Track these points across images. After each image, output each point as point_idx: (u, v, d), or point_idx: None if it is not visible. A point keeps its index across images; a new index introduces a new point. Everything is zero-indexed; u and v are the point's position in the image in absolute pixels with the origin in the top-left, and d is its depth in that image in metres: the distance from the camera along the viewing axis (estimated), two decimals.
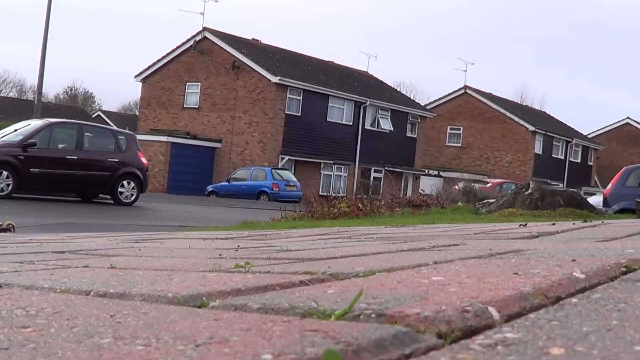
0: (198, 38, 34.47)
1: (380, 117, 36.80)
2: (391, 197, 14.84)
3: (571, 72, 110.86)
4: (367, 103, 35.69)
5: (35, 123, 14.64)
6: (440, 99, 45.71)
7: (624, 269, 1.29)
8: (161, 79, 35.63)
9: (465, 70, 65.78)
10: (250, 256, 2.14)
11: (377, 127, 36.63)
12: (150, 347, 0.79)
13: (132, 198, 14.71)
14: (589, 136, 51.80)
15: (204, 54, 34.30)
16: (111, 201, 14.65)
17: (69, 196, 15.34)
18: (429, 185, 32.88)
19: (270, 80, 32.14)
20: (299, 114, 33.21)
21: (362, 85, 37.80)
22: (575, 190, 15.40)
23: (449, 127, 44.64)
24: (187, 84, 34.87)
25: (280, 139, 32.48)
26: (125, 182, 14.65)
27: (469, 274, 1.27)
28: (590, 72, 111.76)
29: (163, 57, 35.75)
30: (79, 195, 15.31)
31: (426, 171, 40.11)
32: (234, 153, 32.96)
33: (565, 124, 49.95)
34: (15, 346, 0.82)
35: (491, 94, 45.42)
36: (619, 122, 54.45)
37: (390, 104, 37.33)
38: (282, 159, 32.40)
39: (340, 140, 34.77)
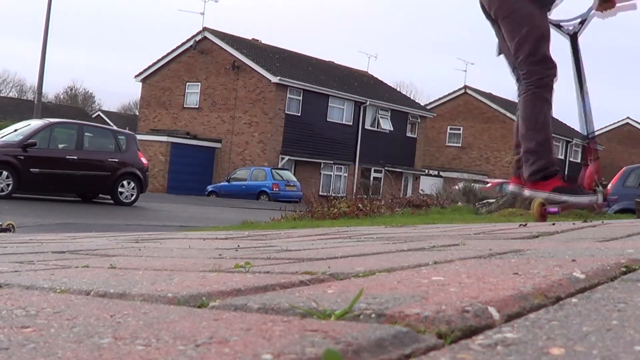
0: (198, 38, 34.48)
1: (380, 117, 36.80)
2: (391, 197, 14.84)
3: (571, 71, 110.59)
4: (367, 103, 35.69)
5: (35, 123, 14.64)
6: (440, 99, 45.72)
7: (624, 269, 1.29)
8: (161, 79, 35.64)
9: (465, 70, 65.88)
10: (250, 256, 2.14)
11: (377, 127, 36.63)
12: (150, 347, 0.79)
13: (132, 198, 14.72)
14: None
15: (204, 54, 34.30)
16: (111, 201, 14.65)
17: (69, 196, 15.35)
18: (429, 185, 32.88)
19: (270, 80, 32.14)
20: (299, 114, 33.21)
21: (362, 85, 37.81)
22: None
23: (449, 127, 44.65)
24: (187, 84, 34.88)
25: (280, 139, 32.48)
26: (125, 182, 14.66)
27: (469, 274, 1.27)
28: (590, 72, 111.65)
29: (163, 57, 35.77)
30: (79, 195, 15.32)
31: (426, 171, 40.12)
32: (234, 153, 32.96)
33: (565, 124, 49.94)
34: (15, 346, 0.82)
35: (491, 94, 45.44)
36: (619, 122, 54.47)
37: (390, 104, 37.33)
38: (282, 159, 32.40)
39: (340, 140, 34.77)
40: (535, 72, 4.00)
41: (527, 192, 4.20)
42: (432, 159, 43.50)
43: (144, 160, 15.35)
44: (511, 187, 4.39)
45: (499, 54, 4.43)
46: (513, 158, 4.52)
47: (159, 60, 35.90)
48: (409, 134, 38.67)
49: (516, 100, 4.64)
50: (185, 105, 34.92)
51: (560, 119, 50.86)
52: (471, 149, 44.19)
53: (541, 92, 4.01)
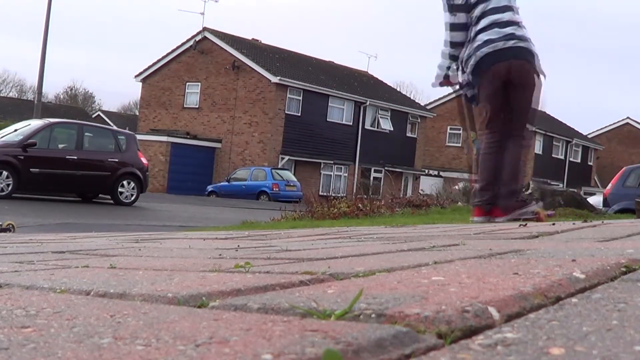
0: (198, 38, 34.47)
1: (380, 117, 36.79)
2: (391, 197, 14.82)
3: (571, 71, 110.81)
4: (367, 103, 35.68)
5: (35, 123, 14.63)
6: (440, 98, 45.66)
7: (624, 269, 1.29)
8: (161, 79, 35.63)
9: None
10: (250, 256, 2.14)
11: (377, 127, 36.62)
12: (150, 347, 0.79)
13: (132, 198, 14.72)
14: (589, 136, 51.77)
15: (204, 54, 34.30)
16: (111, 201, 14.65)
17: (69, 196, 15.34)
18: (429, 185, 32.87)
19: (270, 80, 32.14)
20: (299, 114, 33.21)
21: (362, 85, 37.80)
22: (575, 190, 15.40)
23: (449, 127, 44.64)
24: (187, 84, 34.88)
25: (280, 139, 32.48)
26: (125, 182, 14.66)
27: (469, 274, 1.27)
28: (590, 71, 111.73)
29: (163, 57, 35.76)
30: (79, 195, 15.31)
31: (426, 171, 40.11)
32: (234, 153, 32.96)
33: (565, 124, 49.93)
34: (15, 346, 0.82)
35: None
36: (619, 122, 54.45)
37: (390, 104, 37.32)
38: (282, 159, 32.40)
39: (340, 140, 34.76)
40: (530, 135, 5.19)
41: (501, 219, 4.88)
42: (432, 159, 43.50)
43: (144, 160, 15.34)
44: (478, 219, 5.05)
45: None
46: (474, 186, 5.31)
47: (159, 60, 35.89)
48: (409, 134, 38.67)
49: None
50: (185, 105, 34.91)
51: (560, 119, 50.87)
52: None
53: (528, 149, 5.22)
